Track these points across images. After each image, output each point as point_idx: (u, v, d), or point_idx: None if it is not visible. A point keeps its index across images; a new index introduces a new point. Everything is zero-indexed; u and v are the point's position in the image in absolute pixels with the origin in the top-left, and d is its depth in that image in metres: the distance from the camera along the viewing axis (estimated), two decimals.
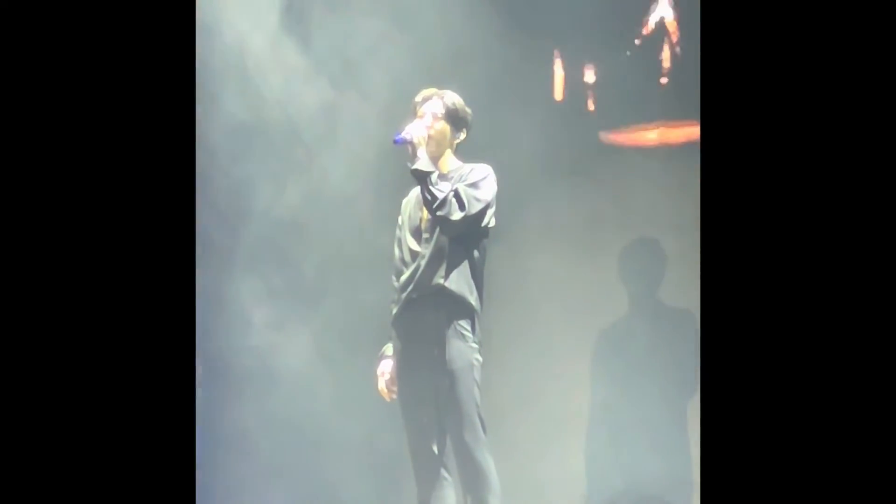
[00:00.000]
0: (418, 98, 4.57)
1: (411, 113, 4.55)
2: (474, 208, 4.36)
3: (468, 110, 4.58)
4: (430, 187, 4.33)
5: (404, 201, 4.66)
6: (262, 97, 5.66)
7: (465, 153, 4.60)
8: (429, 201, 4.35)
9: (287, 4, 5.65)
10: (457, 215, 4.33)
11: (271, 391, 5.71)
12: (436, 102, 4.54)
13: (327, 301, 5.72)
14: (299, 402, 5.67)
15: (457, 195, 4.34)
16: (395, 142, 4.42)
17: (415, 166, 4.37)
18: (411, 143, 4.40)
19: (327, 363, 5.66)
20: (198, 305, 3.87)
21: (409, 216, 4.58)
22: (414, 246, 4.50)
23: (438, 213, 4.33)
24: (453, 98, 4.56)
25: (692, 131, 5.31)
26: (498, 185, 4.49)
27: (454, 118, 4.53)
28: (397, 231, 4.63)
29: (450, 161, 4.55)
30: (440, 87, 4.58)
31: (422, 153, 4.38)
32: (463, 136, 4.58)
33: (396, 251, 4.59)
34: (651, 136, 5.58)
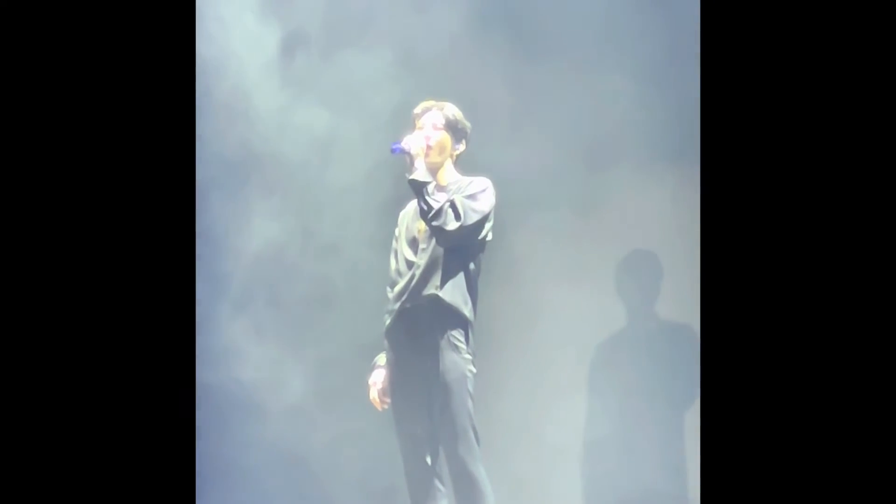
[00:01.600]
0: (417, 110, 4.59)
1: (410, 125, 4.56)
2: (470, 219, 4.36)
3: (467, 123, 4.59)
4: (427, 197, 4.34)
5: (402, 213, 4.67)
6: (256, 132, 5.66)
7: (466, 168, 4.60)
8: (424, 211, 4.35)
9: (286, 39, 5.66)
10: (452, 225, 4.33)
11: (265, 425, 5.70)
12: (435, 114, 4.56)
13: (323, 335, 5.69)
14: (292, 436, 5.66)
15: (453, 206, 4.34)
16: (393, 150, 4.44)
17: (412, 176, 4.38)
18: (409, 153, 4.41)
19: (322, 397, 5.64)
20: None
21: (407, 227, 4.58)
22: (410, 256, 4.50)
23: (434, 222, 4.33)
24: (453, 110, 4.57)
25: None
26: (497, 198, 4.50)
27: (453, 129, 4.55)
28: (394, 243, 4.63)
29: (449, 173, 4.56)
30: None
31: (419, 164, 4.40)
32: (462, 147, 4.59)
33: (393, 262, 4.59)
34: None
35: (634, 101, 5.45)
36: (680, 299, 5.43)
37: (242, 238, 5.70)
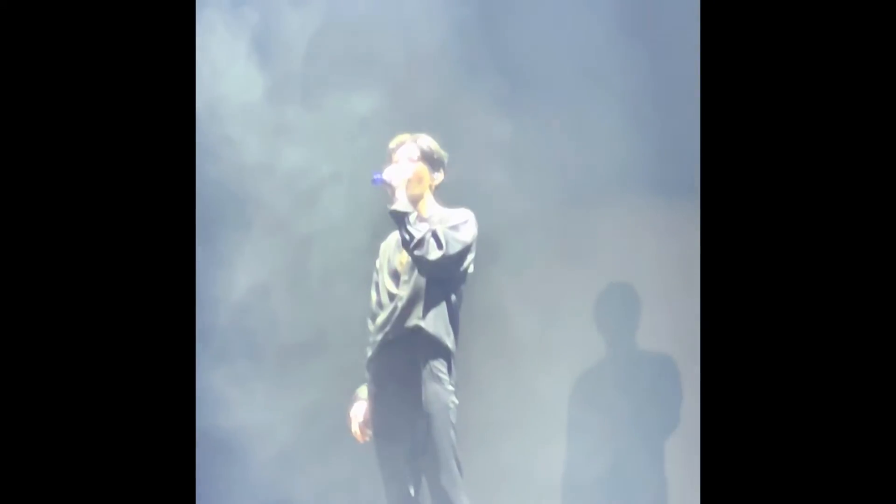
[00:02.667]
0: (392, 144, 4.60)
1: (387, 159, 4.57)
2: (453, 249, 4.37)
3: (443, 152, 4.60)
4: (408, 227, 4.35)
5: (383, 245, 4.67)
6: (240, 177, 5.64)
7: (448, 201, 4.60)
8: (406, 241, 4.36)
9: (271, 82, 5.65)
10: (434, 254, 4.34)
11: (252, 472, 5.66)
12: (409, 146, 4.57)
13: (310, 381, 5.65)
14: (280, 483, 5.63)
15: (435, 235, 4.35)
16: (374, 181, 4.45)
17: (393, 207, 4.39)
18: (390, 184, 4.42)
19: (310, 444, 5.61)
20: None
21: (388, 259, 4.58)
22: (392, 288, 4.49)
23: (416, 252, 4.34)
24: (427, 141, 4.59)
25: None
26: (481, 231, 4.50)
27: (429, 159, 4.56)
28: (374, 275, 4.63)
29: (430, 204, 4.56)
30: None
31: (400, 194, 4.40)
32: (441, 177, 4.60)
33: (374, 294, 4.58)
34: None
35: (628, 136, 5.47)
36: (666, 333, 5.46)
37: (228, 283, 5.65)
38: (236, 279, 5.64)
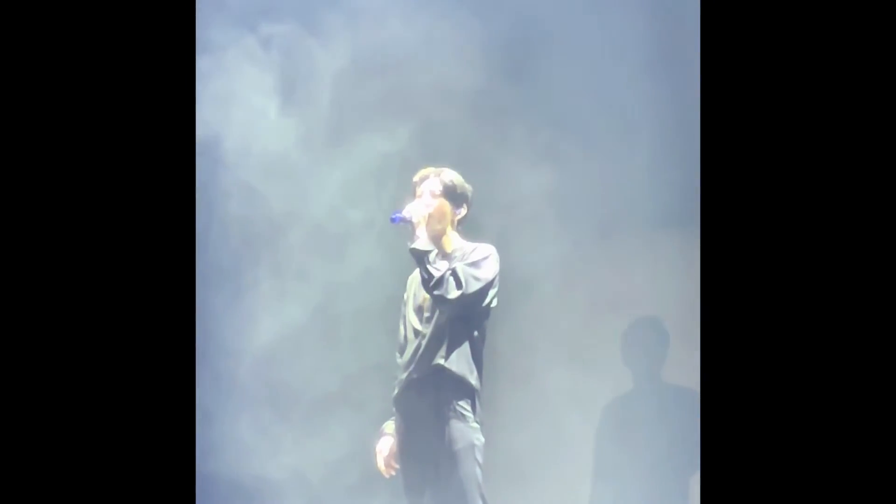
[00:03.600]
0: (416, 178, 4.59)
1: (410, 193, 4.56)
2: (472, 287, 4.34)
3: (467, 186, 4.58)
4: (428, 266, 4.33)
5: (410, 278, 4.65)
6: (263, 216, 5.66)
7: (469, 234, 4.59)
8: (426, 280, 4.34)
9: (298, 127, 5.65)
10: (453, 294, 4.31)
11: None
12: (433, 181, 4.55)
13: (336, 430, 5.64)
14: None
15: (454, 274, 4.33)
16: (393, 220, 4.43)
17: (413, 245, 4.37)
18: (410, 221, 4.40)
19: (336, 494, 5.59)
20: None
21: (414, 294, 4.57)
22: (416, 324, 4.49)
23: (435, 291, 4.32)
24: (451, 175, 4.57)
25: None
26: (502, 265, 4.47)
27: (452, 195, 4.53)
28: (402, 307, 4.62)
29: (453, 240, 4.53)
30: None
31: (421, 232, 4.39)
32: (464, 212, 4.57)
33: (401, 328, 4.58)
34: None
35: (640, 172, 5.47)
36: (687, 364, 5.40)
37: (255, 331, 5.63)
38: (264, 327, 5.63)
